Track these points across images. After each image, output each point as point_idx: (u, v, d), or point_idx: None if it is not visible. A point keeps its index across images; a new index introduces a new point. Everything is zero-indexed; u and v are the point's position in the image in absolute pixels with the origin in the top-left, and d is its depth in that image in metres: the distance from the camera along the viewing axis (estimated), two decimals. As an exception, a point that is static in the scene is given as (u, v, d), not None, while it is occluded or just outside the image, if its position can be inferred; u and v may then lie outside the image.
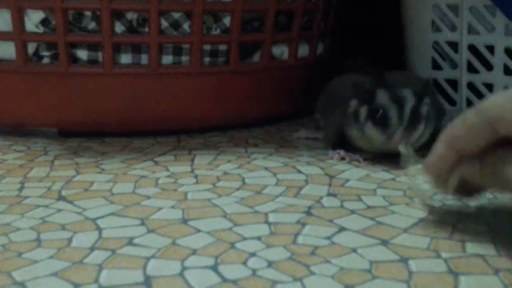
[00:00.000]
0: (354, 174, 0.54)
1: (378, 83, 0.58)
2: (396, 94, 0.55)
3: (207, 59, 0.66)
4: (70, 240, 0.39)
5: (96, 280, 0.33)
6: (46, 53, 0.64)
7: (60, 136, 0.67)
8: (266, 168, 0.55)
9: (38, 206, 0.45)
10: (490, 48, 0.69)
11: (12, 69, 0.64)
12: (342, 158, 0.58)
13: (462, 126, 0.37)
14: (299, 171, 0.54)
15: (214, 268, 0.35)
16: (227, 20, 0.65)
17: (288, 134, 0.69)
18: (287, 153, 0.60)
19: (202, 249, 0.37)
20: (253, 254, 0.37)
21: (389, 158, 0.58)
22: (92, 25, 0.63)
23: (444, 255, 0.37)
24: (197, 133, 0.69)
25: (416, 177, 0.46)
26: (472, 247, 0.38)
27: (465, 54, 0.70)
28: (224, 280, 0.33)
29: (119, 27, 0.63)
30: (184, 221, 0.42)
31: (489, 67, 0.69)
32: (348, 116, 0.57)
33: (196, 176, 0.53)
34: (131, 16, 0.63)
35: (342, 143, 0.59)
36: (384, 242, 0.39)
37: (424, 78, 0.71)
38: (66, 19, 0.62)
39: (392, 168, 0.55)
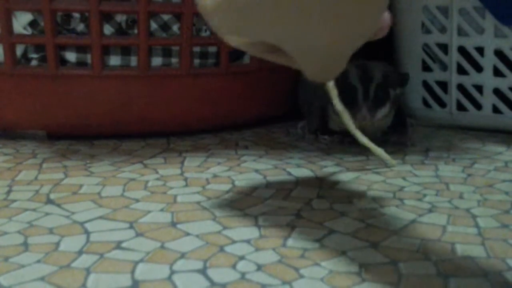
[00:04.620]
0: (344, 176, 0.53)
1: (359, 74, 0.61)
2: (365, 74, 0.59)
3: (197, 61, 0.66)
4: (57, 244, 0.39)
5: (84, 285, 0.33)
6: (34, 55, 0.64)
7: (49, 139, 0.67)
8: (256, 171, 0.55)
9: (26, 209, 0.45)
10: (480, 50, 0.69)
11: (0, 72, 0.64)
12: (311, 144, 0.64)
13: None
14: (289, 173, 0.54)
15: (203, 271, 0.35)
16: (216, 22, 0.65)
17: (278, 137, 0.69)
18: (277, 155, 0.60)
19: (190, 252, 0.37)
20: (242, 258, 0.36)
21: (377, 160, 0.58)
22: (80, 27, 0.63)
23: (433, 257, 0.37)
24: (187, 135, 0.68)
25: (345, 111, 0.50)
26: (461, 250, 0.38)
27: (455, 56, 0.71)
28: (213, 284, 0.33)
29: (108, 29, 0.63)
30: (173, 224, 0.42)
31: (478, 68, 0.70)
32: (326, 96, 0.60)
33: (185, 179, 0.52)
34: (120, 18, 0.63)
35: (321, 128, 0.65)
36: (374, 245, 0.38)
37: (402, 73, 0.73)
38: (55, 21, 0.61)
39: (383, 171, 0.55)
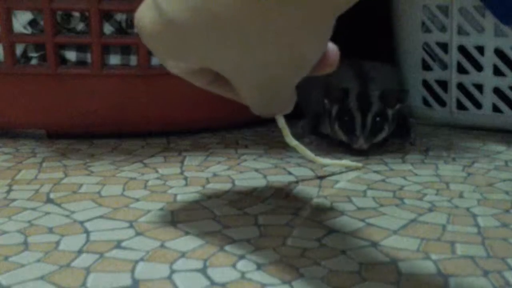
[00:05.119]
0: (344, 175, 0.53)
1: (354, 74, 0.63)
2: (363, 100, 0.60)
3: (196, 60, 0.66)
4: (57, 243, 0.39)
5: (84, 284, 0.33)
6: (34, 54, 0.63)
7: (49, 138, 0.67)
8: (256, 170, 0.55)
9: (26, 208, 0.45)
10: (480, 49, 0.69)
11: None
12: (311, 143, 0.64)
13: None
14: (289, 173, 0.54)
15: (203, 271, 0.35)
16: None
17: (278, 136, 0.69)
18: (277, 155, 0.60)
19: (190, 252, 0.37)
20: (242, 257, 0.36)
21: (377, 159, 0.58)
22: (80, 26, 0.63)
23: (433, 256, 0.37)
24: (187, 134, 0.68)
25: (299, 145, 0.49)
26: (461, 249, 0.38)
27: (455, 55, 0.71)
28: (213, 283, 0.33)
29: (107, 28, 0.63)
30: (173, 223, 0.42)
31: (478, 67, 0.69)
32: (325, 111, 0.63)
33: (185, 178, 0.52)
34: (120, 17, 0.63)
35: (316, 130, 0.66)
36: (374, 244, 0.38)
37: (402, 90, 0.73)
38: (55, 20, 0.61)
39: (383, 170, 0.55)
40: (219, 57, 0.32)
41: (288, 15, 0.29)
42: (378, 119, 0.59)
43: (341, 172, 0.54)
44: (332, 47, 0.36)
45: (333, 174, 0.54)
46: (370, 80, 0.62)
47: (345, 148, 0.61)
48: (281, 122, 0.46)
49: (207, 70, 0.35)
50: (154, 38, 0.33)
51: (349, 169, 0.55)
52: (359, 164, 0.55)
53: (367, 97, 0.60)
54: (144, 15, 0.33)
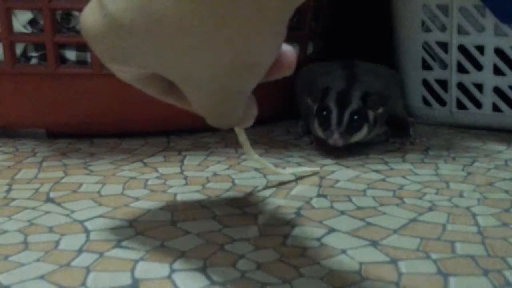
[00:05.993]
0: (344, 174, 0.53)
1: (343, 75, 0.63)
2: (343, 97, 0.59)
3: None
4: (57, 242, 0.39)
5: (84, 283, 0.33)
6: (34, 54, 0.63)
7: (49, 138, 0.66)
8: (256, 169, 0.55)
9: (26, 208, 0.45)
10: (480, 48, 0.69)
11: (-1, 70, 0.64)
12: (311, 143, 0.64)
13: None
14: (289, 172, 0.54)
15: (203, 270, 0.35)
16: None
17: (278, 135, 0.69)
18: (277, 154, 0.60)
19: (190, 251, 0.37)
20: (242, 256, 0.36)
21: (377, 158, 0.58)
22: (80, 25, 0.63)
23: (433, 256, 0.37)
24: (187, 133, 0.68)
25: (259, 158, 0.48)
26: (461, 248, 0.38)
27: (455, 55, 0.71)
28: (213, 282, 0.33)
29: (108, 28, 0.63)
30: (173, 223, 0.42)
31: (479, 67, 0.69)
32: (308, 111, 0.63)
33: (185, 177, 0.52)
34: (120, 16, 0.63)
35: (306, 129, 0.66)
36: (374, 243, 0.38)
37: (395, 72, 0.73)
38: (54, 20, 0.61)
39: (383, 169, 0.55)
40: (167, 62, 0.31)
41: (238, 16, 0.28)
42: (356, 117, 0.58)
43: (341, 171, 0.54)
44: (287, 48, 0.35)
45: (333, 173, 0.54)
46: (357, 82, 0.62)
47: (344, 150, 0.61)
48: (241, 135, 0.44)
49: (158, 78, 0.34)
50: (97, 39, 0.32)
51: (314, 173, 0.53)
52: (317, 169, 0.54)
53: (347, 96, 0.59)
54: (88, 16, 0.32)
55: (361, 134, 0.59)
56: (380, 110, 0.60)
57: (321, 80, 0.64)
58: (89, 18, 0.32)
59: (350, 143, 0.58)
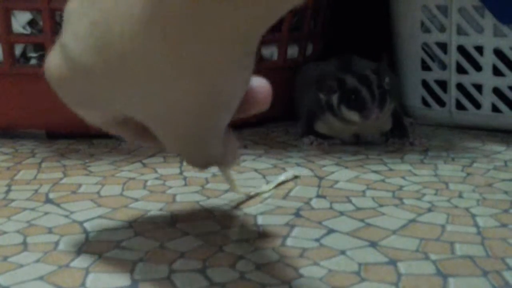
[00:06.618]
0: (343, 175, 0.53)
1: (341, 69, 0.64)
2: (362, 77, 0.60)
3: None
4: (57, 243, 0.39)
5: (83, 284, 0.33)
6: (33, 55, 0.63)
7: (48, 138, 0.67)
8: (256, 170, 0.55)
9: (25, 209, 0.45)
10: (479, 49, 0.69)
11: (-1, 71, 0.63)
12: (311, 143, 0.64)
13: None
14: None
15: (202, 271, 0.35)
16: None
17: (278, 136, 0.69)
18: (277, 155, 0.60)
19: (190, 252, 0.37)
20: (241, 257, 0.36)
21: (377, 159, 0.58)
22: (80, 26, 0.63)
23: (432, 257, 0.37)
24: (186, 134, 0.68)
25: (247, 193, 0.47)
26: (460, 249, 0.38)
27: (454, 55, 0.71)
28: (212, 283, 0.33)
29: (107, 28, 0.63)
30: (172, 223, 0.42)
31: (478, 68, 0.69)
32: (322, 107, 0.63)
33: (184, 178, 0.52)
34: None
35: (312, 130, 0.66)
36: (373, 244, 0.38)
37: (393, 75, 0.73)
38: (54, 20, 0.61)
39: (382, 170, 0.55)
40: (133, 103, 0.30)
41: (202, 49, 0.27)
42: (381, 90, 0.60)
43: (340, 172, 0.54)
44: (260, 82, 0.33)
45: (332, 173, 0.54)
46: (356, 66, 0.64)
47: (345, 147, 0.61)
48: (226, 174, 0.43)
49: (131, 121, 0.33)
50: (61, 83, 0.31)
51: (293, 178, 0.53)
52: (297, 174, 0.53)
53: (364, 74, 0.61)
54: (52, 60, 0.31)
55: (388, 106, 0.61)
56: (387, 80, 0.62)
57: (321, 73, 0.65)
58: (52, 62, 0.31)
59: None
